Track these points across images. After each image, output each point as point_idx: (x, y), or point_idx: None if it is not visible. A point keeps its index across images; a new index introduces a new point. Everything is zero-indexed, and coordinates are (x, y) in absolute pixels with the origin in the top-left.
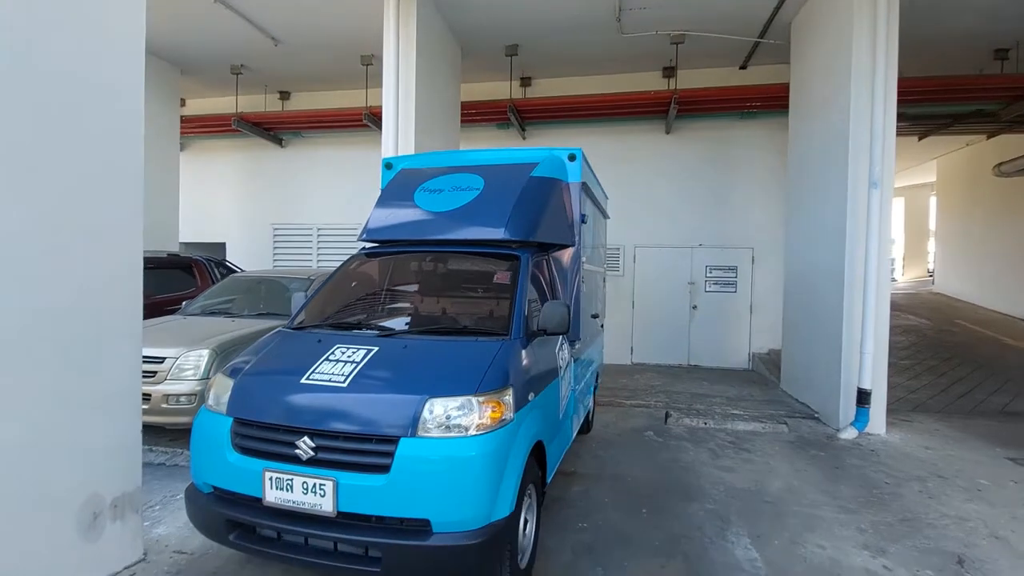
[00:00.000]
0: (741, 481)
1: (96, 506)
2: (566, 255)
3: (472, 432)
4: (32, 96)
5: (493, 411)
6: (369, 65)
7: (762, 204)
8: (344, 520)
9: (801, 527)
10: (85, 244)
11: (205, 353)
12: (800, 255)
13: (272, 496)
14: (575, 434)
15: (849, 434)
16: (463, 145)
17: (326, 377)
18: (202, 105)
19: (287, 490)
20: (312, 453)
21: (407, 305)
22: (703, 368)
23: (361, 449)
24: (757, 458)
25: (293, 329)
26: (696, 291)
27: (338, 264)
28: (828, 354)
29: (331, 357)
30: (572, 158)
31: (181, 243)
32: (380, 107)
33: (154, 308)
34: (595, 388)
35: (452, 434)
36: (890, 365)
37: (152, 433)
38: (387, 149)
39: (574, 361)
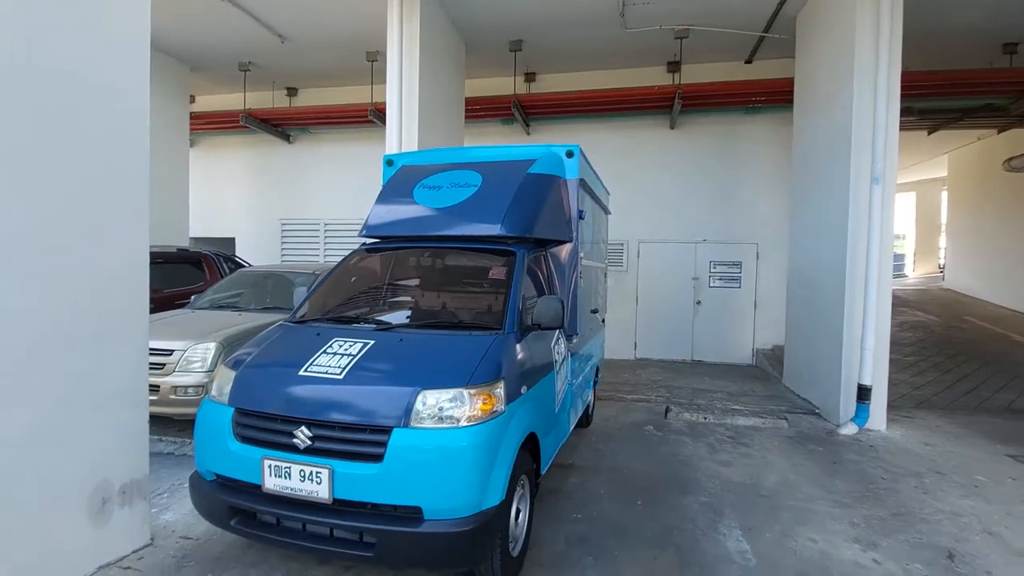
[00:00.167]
0: (737, 475)
1: (105, 492)
2: (564, 251)
3: (463, 423)
4: (33, 96)
5: (484, 403)
6: (374, 61)
7: (767, 199)
8: (340, 507)
9: (794, 521)
10: (91, 243)
11: (212, 346)
12: (803, 251)
13: (271, 483)
14: (573, 427)
15: (849, 430)
16: (468, 141)
17: (323, 369)
18: (212, 102)
19: (285, 477)
20: (309, 442)
21: (404, 300)
22: (706, 364)
23: (356, 439)
24: (755, 453)
25: (294, 323)
26: (700, 286)
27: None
28: (829, 350)
29: (328, 350)
30: (570, 155)
31: (191, 238)
32: (385, 103)
33: (164, 302)
34: (595, 383)
35: (444, 425)
36: (895, 362)
37: (161, 423)
38: (391, 145)
39: (571, 355)
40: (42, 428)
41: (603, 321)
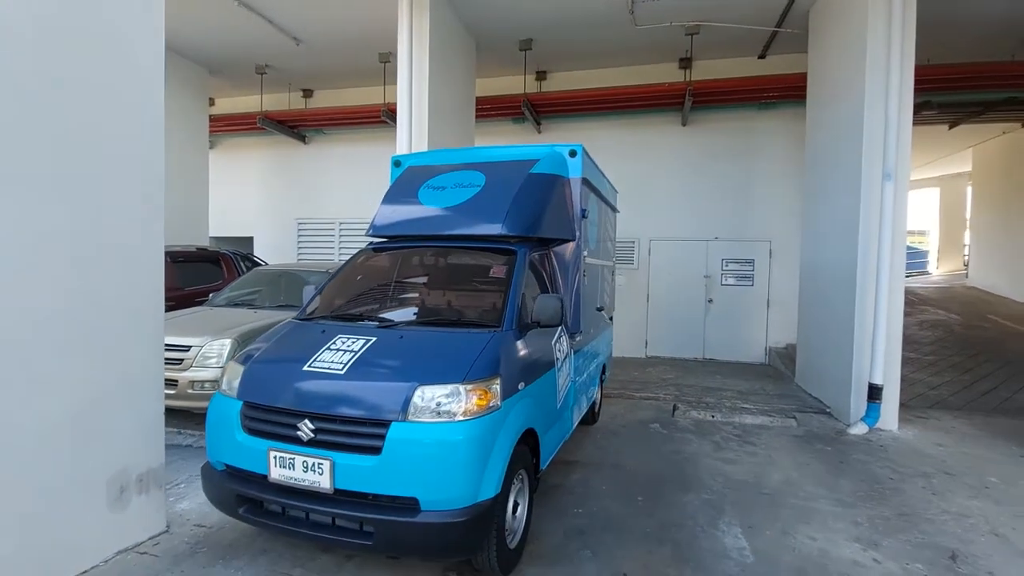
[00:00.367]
0: (741, 473)
1: (123, 480)
2: (567, 250)
3: (459, 418)
4: (55, 106)
5: (480, 398)
6: (387, 62)
7: (781, 196)
8: (341, 497)
9: (795, 519)
10: (112, 245)
11: (228, 342)
12: (815, 248)
13: (276, 473)
14: (576, 424)
15: (859, 429)
16: (479, 140)
17: (326, 365)
18: (230, 104)
19: (289, 468)
20: (312, 435)
21: (407, 298)
22: (718, 362)
23: (356, 432)
24: (760, 451)
25: (302, 320)
26: (712, 284)
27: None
28: (840, 348)
29: (332, 346)
30: (573, 154)
31: (211, 237)
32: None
33: (184, 299)
34: (602, 380)
35: (440, 419)
36: (912, 361)
37: (179, 417)
38: (401, 146)
39: (575, 353)
40: (65, 419)
41: (611, 319)
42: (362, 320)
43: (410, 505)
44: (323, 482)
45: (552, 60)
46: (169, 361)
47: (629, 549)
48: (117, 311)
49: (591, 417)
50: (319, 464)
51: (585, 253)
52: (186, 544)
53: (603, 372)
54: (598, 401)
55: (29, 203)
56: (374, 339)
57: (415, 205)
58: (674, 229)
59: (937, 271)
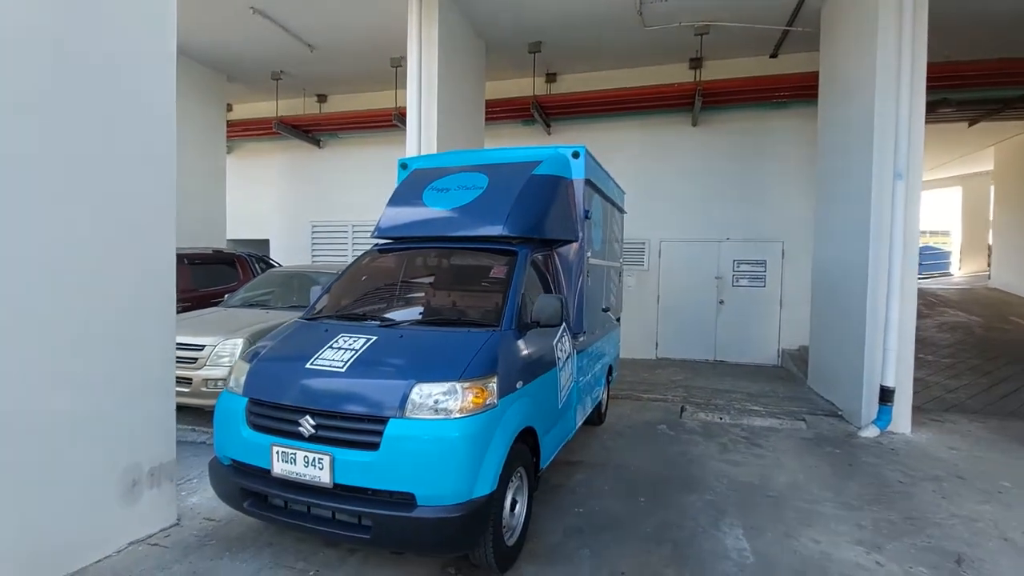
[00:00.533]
0: (746, 475)
1: (135, 474)
2: (571, 250)
3: (455, 415)
4: (69, 112)
5: (476, 396)
6: (399, 67)
7: (793, 197)
8: (340, 491)
9: (798, 521)
10: (125, 248)
11: (240, 342)
12: (826, 248)
13: (279, 468)
14: (579, 424)
15: (870, 432)
16: (488, 142)
17: (327, 363)
18: (248, 110)
19: (291, 463)
20: (313, 430)
21: (410, 298)
22: (729, 364)
23: (355, 428)
24: (768, 453)
25: (308, 320)
26: (723, 285)
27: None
28: (851, 350)
29: (334, 345)
30: (576, 155)
31: (229, 240)
32: None
33: (201, 300)
34: (609, 381)
35: (436, 416)
36: (930, 363)
37: (193, 414)
38: (411, 148)
39: (578, 353)
40: (80, 414)
41: (618, 320)
42: (365, 319)
43: (407, 500)
44: (323, 477)
45: (562, 62)
46: (183, 360)
47: (628, 548)
48: (129, 311)
49: (597, 418)
50: (319, 459)
51: (589, 254)
52: (195, 537)
53: (610, 373)
54: (604, 402)
55: (47, 209)
56: (375, 338)
57: (419, 207)
58: (685, 230)
59: (960, 272)
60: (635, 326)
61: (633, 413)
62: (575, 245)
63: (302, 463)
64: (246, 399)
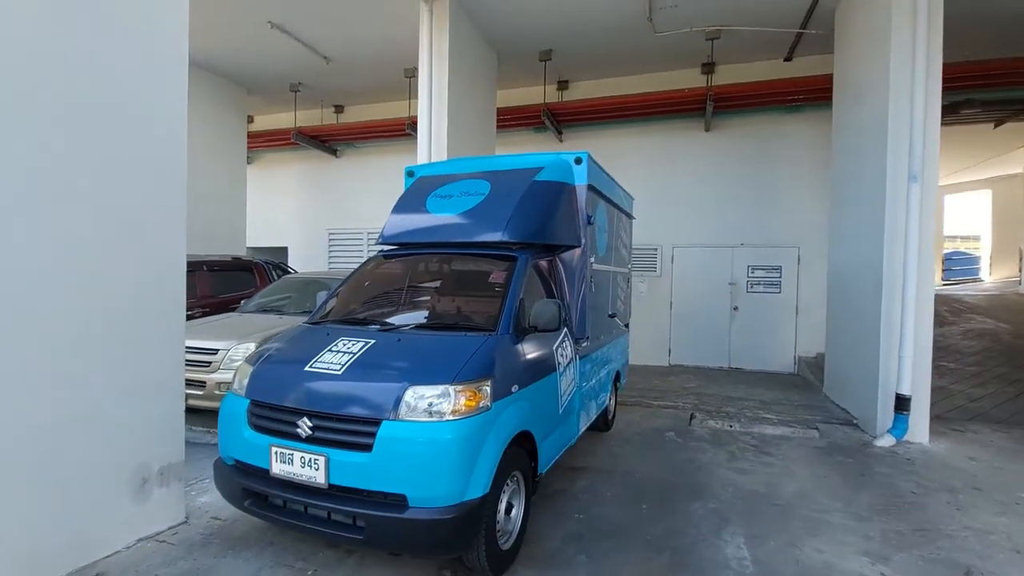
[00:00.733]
0: (753, 483)
1: (145, 473)
2: (573, 256)
3: (448, 417)
4: (83, 123)
5: (469, 399)
6: (412, 77)
7: (809, 202)
8: (335, 492)
9: (803, 531)
10: (136, 256)
11: (252, 346)
12: (841, 253)
13: (277, 468)
14: (583, 430)
15: (885, 442)
16: (500, 150)
17: (325, 366)
18: (269, 121)
19: (289, 463)
20: (310, 432)
21: (410, 303)
22: (744, 371)
23: (350, 429)
24: (777, 462)
25: (312, 324)
26: (737, 292)
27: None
28: (867, 357)
29: (333, 348)
30: (579, 161)
31: (249, 247)
32: None
33: (219, 306)
34: (617, 387)
35: (430, 419)
36: (954, 371)
37: (207, 416)
38: (422, 156)
39: (581, 359)
40: (90, 414)
41: (626, 326)
42: (366, 324)
43: (399, 502)
44: (318, 477)
45: (573, 70)
46: (198, 363)
47: (627, 555)
48: (139, 314)
49: (604, 424)
50: (315, 460)
51: (592, 259)
52: (201, 535)
53: (617, 379)
54: (612, 408)
55: (60, 214)
56: (373, 341)
57: (423, 214)
58: (698, 236)
59: (990, 278)
60: (648, 333)
61: (642, 420)
62: (578, 250)
63: (299, 463)
64: (248, 400)
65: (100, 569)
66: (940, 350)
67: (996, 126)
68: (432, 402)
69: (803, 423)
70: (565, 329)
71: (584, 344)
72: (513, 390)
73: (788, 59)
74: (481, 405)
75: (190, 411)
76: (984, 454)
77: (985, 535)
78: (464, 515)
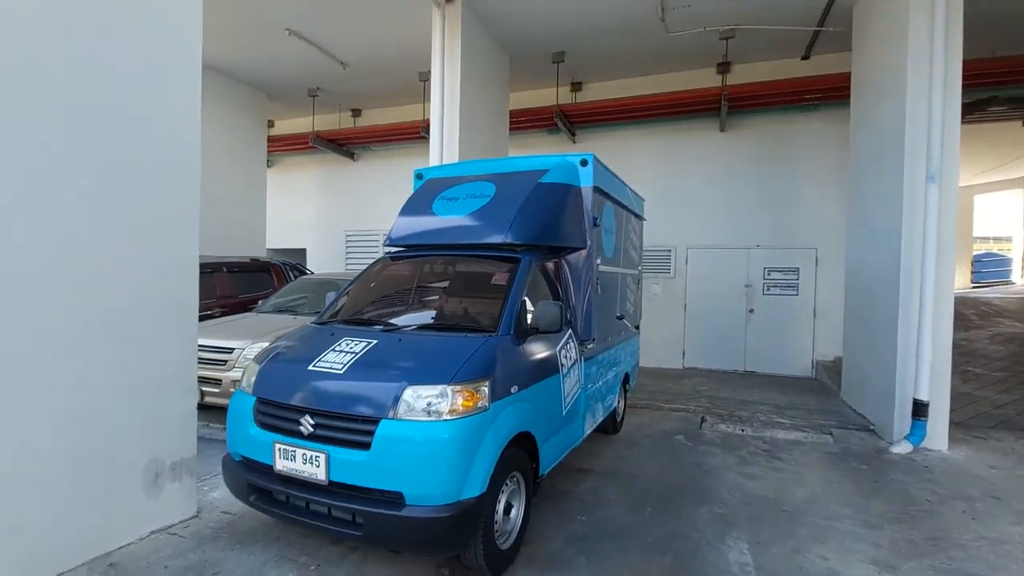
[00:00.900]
0: (761, 489)
1: (158, 468)
2: (579, 258)
3: (445, 417)
4: (98, 128)
5: (466, 399)
6: (426, 81)
7: (827, 202)
8: (335, 488)
9: (810, 537)
10: (150, 254)
11: (266, 345)
12: (858, 255)
13: (280, 464)
14: (588, 432)
15: (902, 448)
16: (512, 151)
17: (328, 365)
18: (289, 125)
19: (291, 460)
20: (312, 429)
21: (414, 304)
22: (760, 375)
23: (349, 427)
24: (788, 467)
25: (319, 324)
26: (753, 294)
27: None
28: (883, 362)
29: (336, 348)
30: (584, 163)
31: (269, 249)
32: None
33: (238, 306)
34: (627, 390)
35: (427, 418)
36: (980, 377)
37: (222, 414)
38: (434, 159)
39: (586, 360)
40: (105, 410)
41: (637, 328)
42: (370, 324)
43: (396, 499)
44: (319, 474)
45: (586, 71)
46: (214, 362)
47: (627, 558)
48: (153, 314)
49: (612, 427)
50: (316, 456)
51: (598, 261)
52: (211, 529)
53: (626, 381)
54: (620, 411)
55: (75, 217)
56: (375, 342)
57: (429, 216)
58: (712, 237)
59: (1022, 280)
60: (661, 335)
61: (652, 423)
62: (583, 252)
63: (300, 460)
64: (254, 398)
65: (113, 559)
66: (966, 355)
67: None
68: (430, 402)
69: (817, 428)
70: (569, 331)
71: (590, 346)
72: (512, 391)
73: (806, 57)
74: (479, 405)
75: (207, 408)
76: (1006, 462)
77: (1000, 545)
78: (460, 514)
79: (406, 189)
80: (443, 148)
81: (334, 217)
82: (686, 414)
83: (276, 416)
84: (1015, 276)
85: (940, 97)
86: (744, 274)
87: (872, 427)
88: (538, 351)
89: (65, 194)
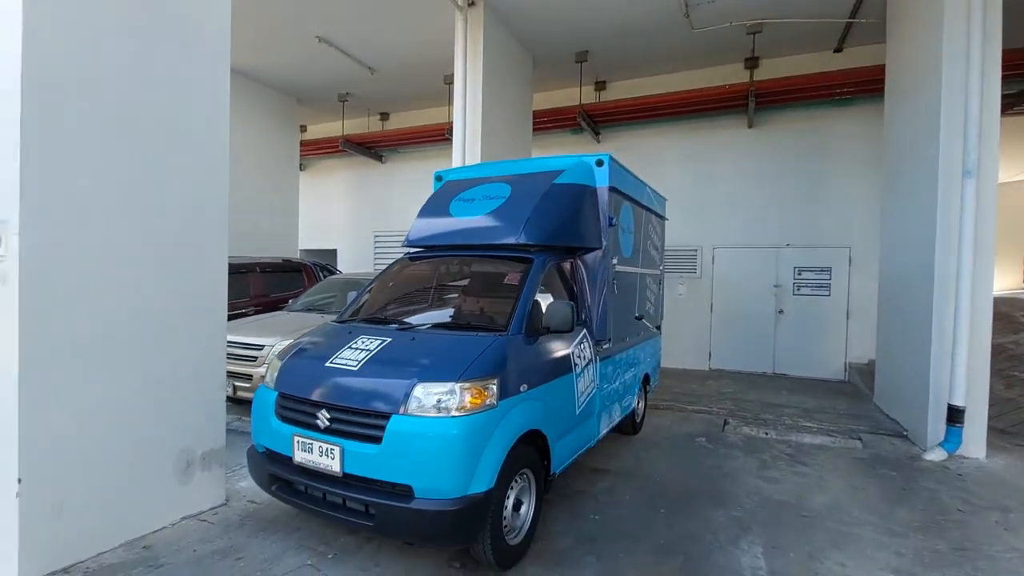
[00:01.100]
0: (781, 493)
1: (189, 457)
2: (595, 258)
3: (453, 413)
4: (133, 138)
5: (474, 397)
6: (450, 84)
7: (861, 200)
8: (350, 480)
9: (829, 544)
10: (183, 256)
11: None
12: (892, 254)
13: (299, 456)
14: (604, 432)
15: (936, 455)
16: (536, 152)
17: (344, 362)
18: (320, 129)
19: (309, 452)
20: (328, 423)
21: (429, 303)
22: (790, 377)
23: (362, 422)
24: (811, 472)
25: (339, 323)
26: (783, 294)
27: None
28: (917, 365)
29: (352, 345)
30: (600, 163)
31: (301, 249)
32: None
33: (270, 305)
34: (647, 391)
35: (435, 414)
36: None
37: None
38: (456, 160)
39: (603, 360)
40: (142, 402)
41: (658, 328)
42: (386, 323)
43: (406, 492)
44: (334, 466)
45: (610, 70)
46: (245, 358)
47: (637, 559)
48: (185, 313)
49: (632, 427)
50: (331, 449)
51: (615, 261)
52: (238, 516)
53: (647, 382)
54: (640, 411)
55: (114, 223)
56: (389, 340)
57: (446, 217)
58: (740, 236)
59: None
60: (686, 336)
61: (673, 424)
62: (599, 252)
63: (317, 452)
64: (276, 393)
65: (147, 542)
66: (1012, 359)
67: None
68: (439, 398)
69: (846, 433)
70: (584, 331)
71: (606, 346)
72: (522, 389)
73: (838, 50)
74: (487, 403)
75: (240, 402)
76: None
77: None
78: (468, 508)
79: (431, 190)
80: (465, 150)
81: (363, 218)
82: (709, 416)
83: (295, 410)
84: None
85: (977, 88)
86: (773, 274)
87: (905, 433)
88: (550, 350)
89: (112, 203)
